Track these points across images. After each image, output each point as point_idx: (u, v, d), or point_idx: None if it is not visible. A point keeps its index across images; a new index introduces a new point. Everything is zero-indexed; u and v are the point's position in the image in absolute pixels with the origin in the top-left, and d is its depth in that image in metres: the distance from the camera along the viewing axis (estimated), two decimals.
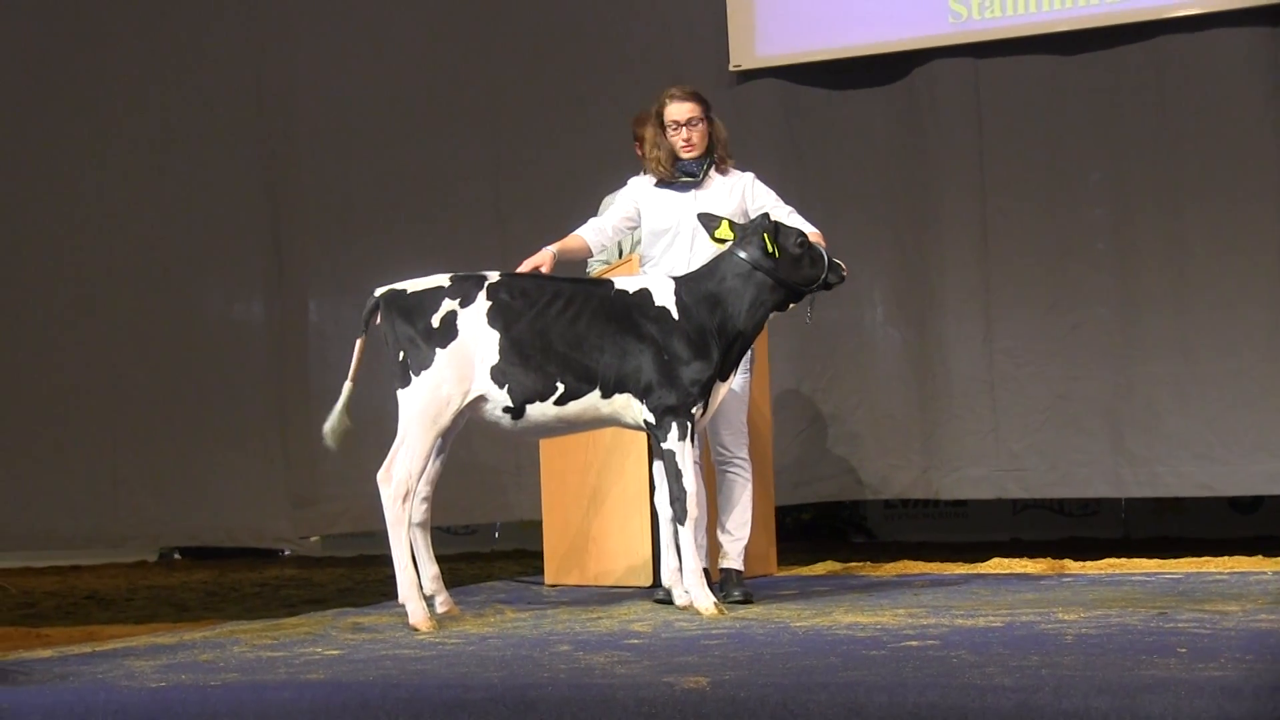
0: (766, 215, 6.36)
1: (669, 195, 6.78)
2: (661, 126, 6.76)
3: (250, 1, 10.43)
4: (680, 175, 6.77)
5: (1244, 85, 8.72)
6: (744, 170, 6.88)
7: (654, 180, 6.84)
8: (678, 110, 6.72)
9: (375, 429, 9.09)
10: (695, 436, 6.21)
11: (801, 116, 9.54)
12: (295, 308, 10.31)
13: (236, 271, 10.48)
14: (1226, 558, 7.84)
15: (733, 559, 6.78)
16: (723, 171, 6.82)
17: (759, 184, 6.85)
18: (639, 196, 6.84)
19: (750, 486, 6.85)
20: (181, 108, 10.43)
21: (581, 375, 6.09)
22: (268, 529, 10.33)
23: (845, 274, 6.41)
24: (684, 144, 6.72)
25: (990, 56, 9.16)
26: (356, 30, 10.30)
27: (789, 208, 6.78)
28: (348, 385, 6.21)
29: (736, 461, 6.79)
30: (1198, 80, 8.81)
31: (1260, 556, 7.78)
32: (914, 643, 4.94)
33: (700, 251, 6.61)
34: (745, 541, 6.80)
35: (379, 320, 6.13)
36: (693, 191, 6.76)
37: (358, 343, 6.17)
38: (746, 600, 6.53)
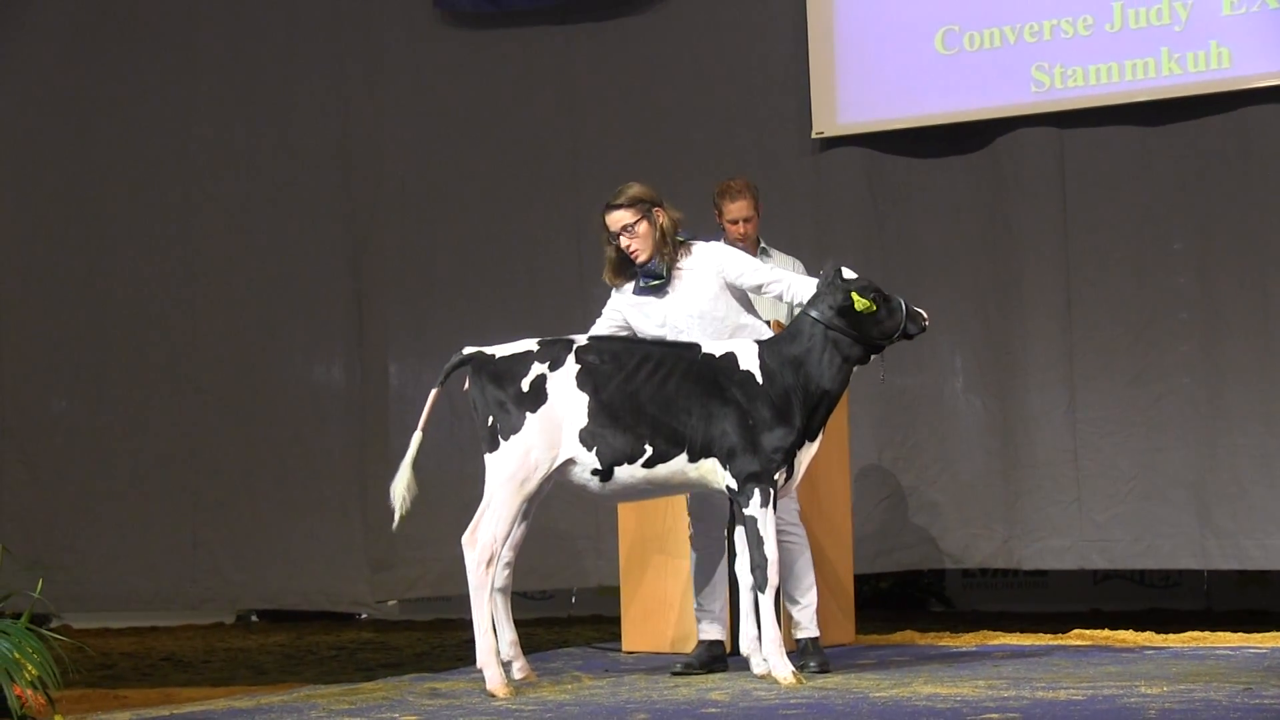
0: (838, 271, 6.31)
1: (649, 301, 6.68)
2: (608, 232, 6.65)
3: (337, 61, 10.56)
4: (647, 281, 6.66)
5: None
6: (711, 240, 6.81)
7: (631, 288, 6.73)
8: (610, 221, 6.60)
9: (454, 492, 9.15)
10: (778, 502, 6.18)
11: (884, 184, 9.53)
12: (376, 371, 10.38)
13: (318, 334, 10.57)
14: None
15: (805, 627, 6.72)
16: (687, 253, 6.67)
17: (729, 252, 6.72)
18: (622, 308, 6.75)
19: (808, 550, 6.76)
20: (266, 169, 10.59)
21: (670, 438, 6.09)
22: (345, 592, 10.37)
23: (926, 323, 6.35)
24: (631, 253, 6.60)
25: (1073, 126, 9.13)
26: (441, 91, 10.40)
27: (769, 264, 6.76)
28: (417, 435, 6.20)
29: (790, 530, 6.70)
30: None
31: None
32: (994, 715, 4.88)
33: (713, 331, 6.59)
34: (814, 606, 6.73)
35: (467, 386, 6.16)
36: (667, 292, 6.64)
37: (433, 393, 6.19)
38: (824, 670, 6.47)
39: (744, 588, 6.25)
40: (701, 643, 6.77)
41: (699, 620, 6.83)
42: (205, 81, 10.69)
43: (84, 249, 10.68)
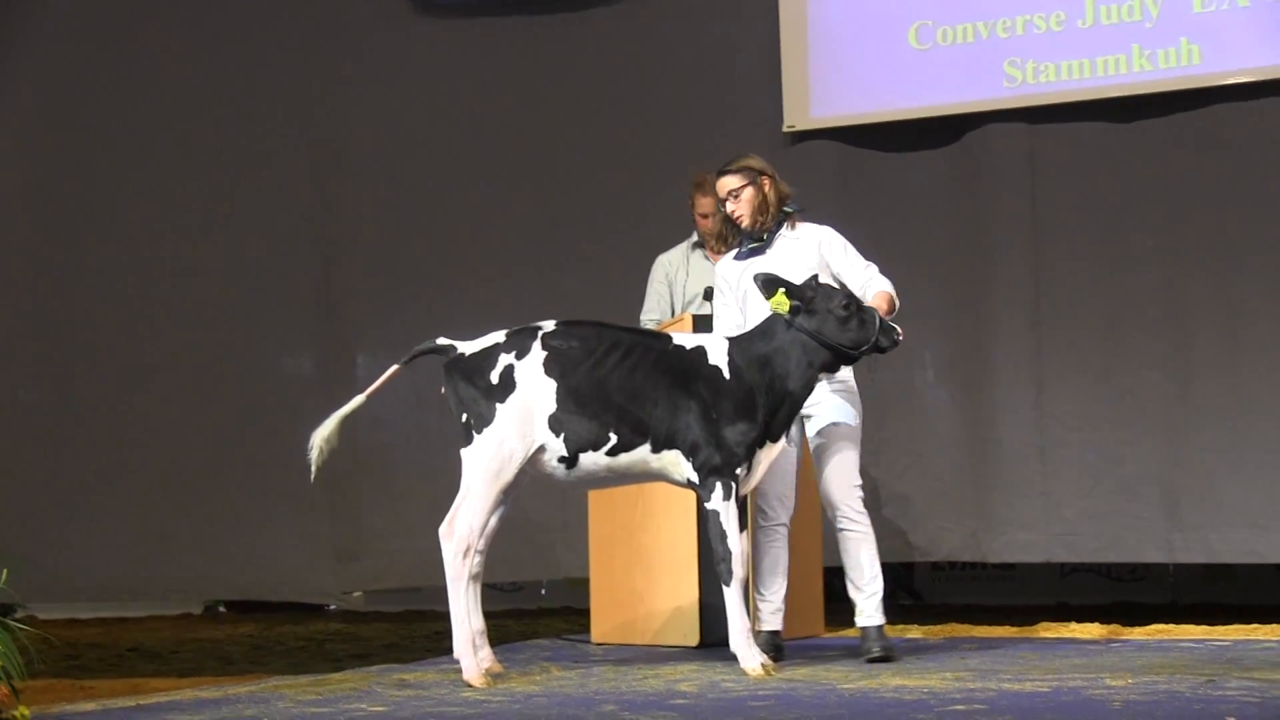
0: (814, 277, 6.36)
1: (753, 264, 6.78)
2: (721, 202, 6.87)
3: (308, 52, 10.52)
4: (747, 243, 6.85)
5: None
6: (819, 224, 6.91)
7: (731, 255, 6.93)
8: (719, 186, 6.85)
9: (422, 485, 9.18)
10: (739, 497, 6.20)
11: (855, 178, 9.54)
12: (344, 363, 10.36)
13: (287, 325, 10.54)
14: (1275, 625, 7.76)
15: (870, 615, 6.73)
16: (792, 225, 6.86)
17: (834, 235, 6.88)
18: (727, 274, 6.92)
19: (872, 540, 6.78)
20: (236, 160, 10.53)
21: (635, 427, 6.10)
22: (313, 584, 10.36)
23: (899, 338, 6.36)
24: (735, 217, 6.81)
25: (1045, 122, 9.16)
26: (413, 83, 10.38)
27: (866, 263, 6.81)
28: (360, 397, 6.24)
29: (855, 519, 6.74)
30: (1250, 148, 8.78)
31: None
32: (960, 707, 4.90)
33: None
34: (880, 595, 6.76)
35: (443, 390, 6.16)
36: (767, 255, 6.79)
37: (393, 368, 6.20)
38: (887, 657, 6.54)
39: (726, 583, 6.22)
40: (761, 633, 6.76)
41: (759, 610, 6.84)
42: (173, 73, 10.62)
43: (52, 241, 10.61)
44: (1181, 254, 8.91)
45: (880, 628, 6.73)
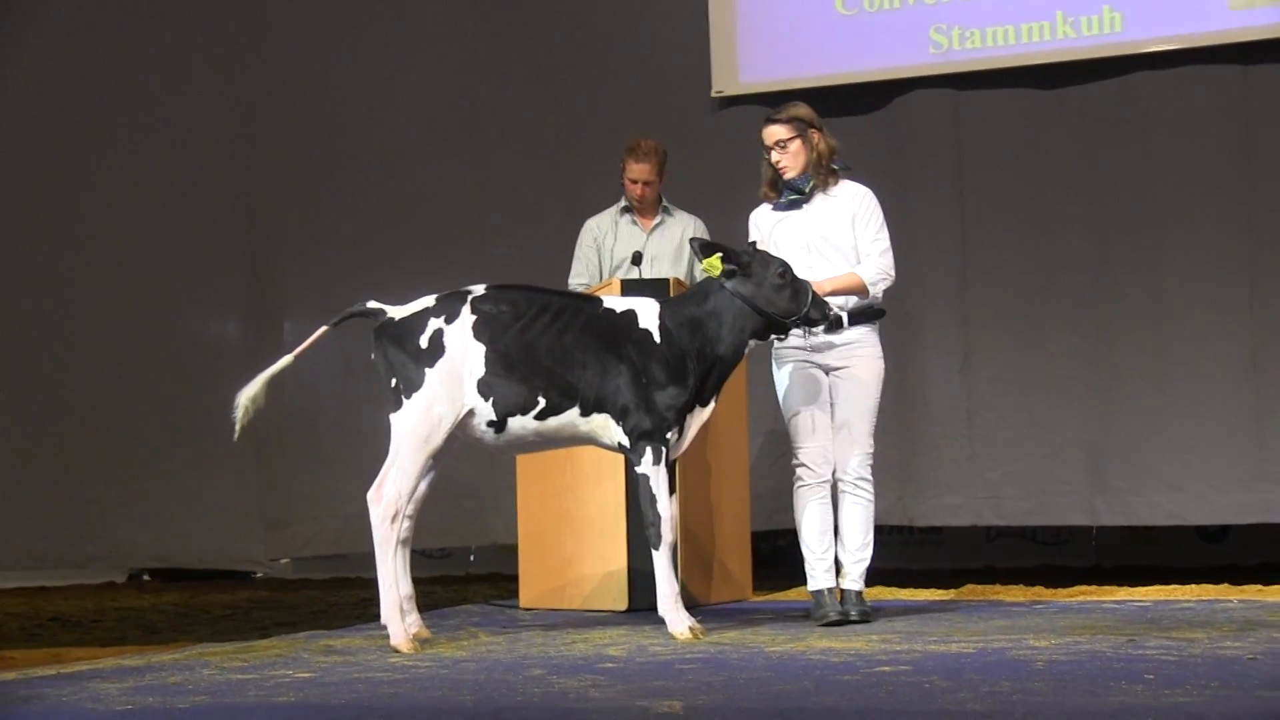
0: (753, 244, 6.36)
1: (790, 216, 6.78)
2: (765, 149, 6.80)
3: (233, 20, 10.38)
4: (788, 194, 6.78)
5: (1214, 121, 8.77)
6: (860, 185, 6.86)
7: (769, 206, 6.87)
8: (766, 135, 6.76)
9: (350, 451, 9.13)
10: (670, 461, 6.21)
11: None
12: (271, 328, 10.25)
13: (212, 290, 10.42)
14: (1194, 586, 7.87)
15: (855, 579, 6.71)
16: (835, 182, 6.80)
17: (869, 200, 6.81)
18: (762, 224, 6.85)
19: (871, 507, 6.78)
20: (162, 124, 10.37)
21: (564, 391, 6.09)
22: (239, 551, 10.27)
23: (831, 314, 6.37)
24: (780, 168, 6.74)
25: (970, 88, 9.19)
26: (340, 47, 10.28)
27: (876, 236, 6.75)
28: (287, 358, 6.20)
29: (860, 485, 6.73)
30: (1170, 115, 8.85)
31: (1226, 585, 7.81)
32: (887, 668, 4.94)
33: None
34: (867, 562, 6.75)
35: (373, 355, 6.13)
36: (805, 210, 6.76)
37: (321, 329, 6.17)
38: (865, 619, 6.55)
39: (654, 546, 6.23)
40: (818, 592, 6.75)
41: (811, 571, 6.79)
42: (97, 35, 10.47)
43: None
44: (1106, 220, 8.97)
45: (860, 593, 6.72)
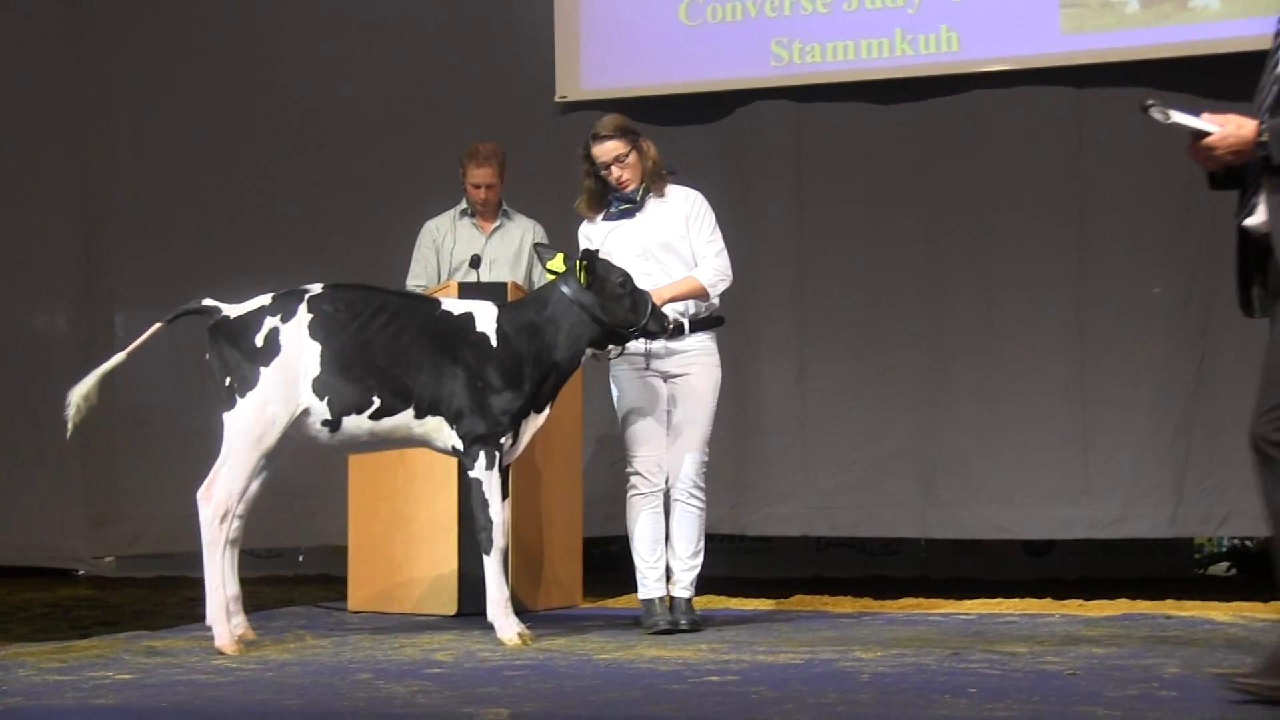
0: (589, 250, 6.37)
1: (623, 225, 6.77)
2: (591, 164, 6.75)
3: (68, 6, 10.19)
4: (619, 205, 6.77)
5: (1048, 142, 8.96)
6: (689, 188, 6.89)
7: (600, 216, 6.84)
8: (601, 153, 6.70)
9: (179, 449, 8.97)
10: (503, 466, 6.20)
11: None
12: (102, 321, 10.07)
13: (42, 281, 10.21)
14: (1018, 600, 7.99)
15: (686, 587, 6.73)
16: (659, 193, 6.80)
17: (701, 205, 6.83)
18: (594, 237, 6.80)
19: (703, 515, 6.80)
20: None
21: (398, 392, 6.07)
22: (62, 548, 10.06)
23: (670, 327, 6.42)
24: (621, 183, 6.71)
25: (810, 101, 9.30)
26: (177, 40, 10.11)
27: (711, 238, 6.78)
28: (120, 355, 6.09)
29: (695, 494, 6.75)
30: (1006, 135, 9.02)
31: (1050, 599, 7.94)
32: (715, 678, 4.97)
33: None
34: (698, 571, 6.77)
35: (208, 354, 6.04)
36: (639, 218, 6.75)
37: (155, 326, 6.07)
38: (695, 628, 6.55)
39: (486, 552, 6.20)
40: (648, 600, 6.73)
41: (642, 579, 6.77)
42: None
43: None
44: (939, 236, 9.11)
45: (690, 601, 6.75)
